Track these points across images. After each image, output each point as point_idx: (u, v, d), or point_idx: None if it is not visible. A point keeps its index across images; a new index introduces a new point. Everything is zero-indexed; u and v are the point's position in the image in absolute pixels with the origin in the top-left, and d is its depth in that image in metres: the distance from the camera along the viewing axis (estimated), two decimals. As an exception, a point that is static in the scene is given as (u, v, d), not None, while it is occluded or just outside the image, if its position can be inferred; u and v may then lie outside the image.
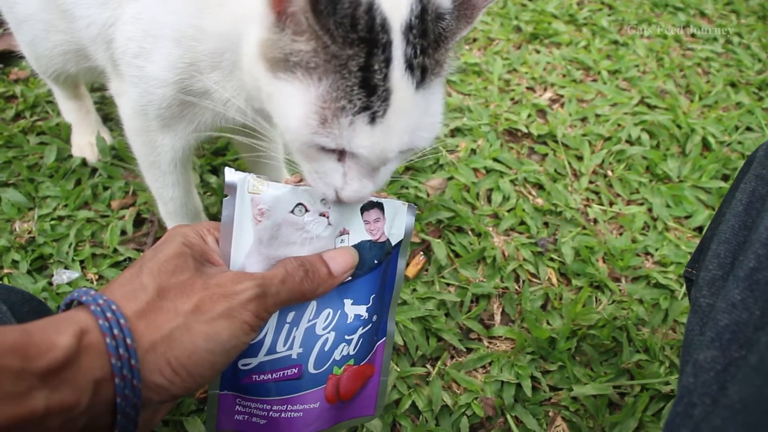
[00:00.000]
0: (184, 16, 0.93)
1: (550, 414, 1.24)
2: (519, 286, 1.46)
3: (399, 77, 0.74)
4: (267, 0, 0.74)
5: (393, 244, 0.86)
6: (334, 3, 0.70)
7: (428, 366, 1.29)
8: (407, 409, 1.20)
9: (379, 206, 0.84)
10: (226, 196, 0.75)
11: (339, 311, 0.82)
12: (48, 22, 1.22)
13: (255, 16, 0.79)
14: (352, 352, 0.84)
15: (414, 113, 0.78)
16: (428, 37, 0.77)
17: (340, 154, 0.78)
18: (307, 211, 0.77)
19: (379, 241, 0.84)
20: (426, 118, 0.80)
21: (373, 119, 0.74)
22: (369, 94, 0.73)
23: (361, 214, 0.83)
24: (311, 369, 0.81)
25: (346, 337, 0.83)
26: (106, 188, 1.57)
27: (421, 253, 1.48)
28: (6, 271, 1.37)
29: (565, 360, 1.29)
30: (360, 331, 0.84)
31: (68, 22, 1.12)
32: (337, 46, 0.72)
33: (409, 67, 0.75)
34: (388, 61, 0.73)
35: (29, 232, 1.45)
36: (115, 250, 1.43)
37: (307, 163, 0.80)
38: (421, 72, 0.76)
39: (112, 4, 1.01)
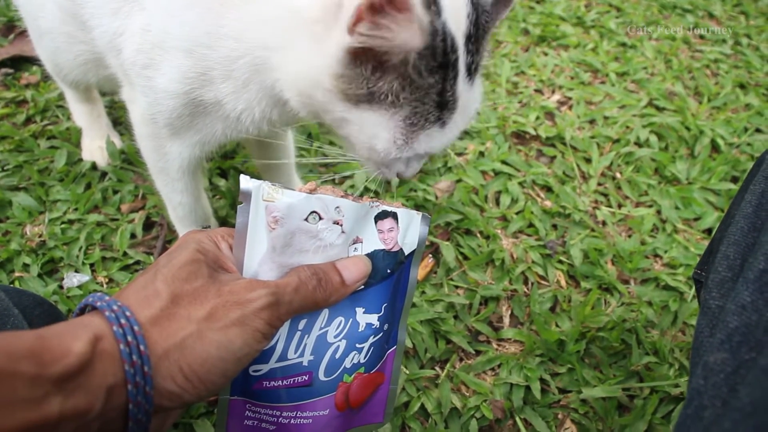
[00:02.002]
0: (198, 25, 0.93)
1: (560, 416, 1.24)
2: (528, 289, 1.46)
3: (462, 84, 0.84)
4: (342, 44, 0.78)
5: (406, 253, 0.86)
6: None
7: (437, 368, 1.29)
8: (416, 411, 1.20)
9: (393, 215, 0.84)
10: (240, 203, 0.76)
11: (351, 319, 0.82)
12: (69, 34, 1.23)
13: (311, 39, 0.82)
14: (362, 360, 0.84)
15: (470, 107, 0.89)
16: (480, 39, 0.85)
17: None
18: (320, 218, 0.77)
19: (393, 250, 0.84)
20: (474, 108, 0.91)
21: (443, 125, 0.84)
22: (442, 108, 0.83)
23: (375, 223, 0.83)
24: (322, 376, 0.81)
25: (357, 345, 0.83)
26: (115, 192, 1.58)
27: (430, 255, 1.48)
28: (17, 274, 1.38)
29: (574, 362, 1.29)
30: (371, 340, 0.84)
31: (87, 32, 1.13)
32: (422, 79, 0.79)
33: (468, 72, 0.84)
34: (456, 76, 0.82)
35: (40, 236, 1.46)
36: (125, 254, 1.44)
37: (373, 164, 0.91)
38: (475, 72, 0.86)
39: (122, 13, 1.01)
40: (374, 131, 0.83)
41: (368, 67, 0.79)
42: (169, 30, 0.96)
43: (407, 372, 1.26)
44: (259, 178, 0.78)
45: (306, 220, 0.77)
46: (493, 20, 0.87)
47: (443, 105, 0.82)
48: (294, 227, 0.76)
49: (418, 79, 0.79)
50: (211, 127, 1.05)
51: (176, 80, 0.97)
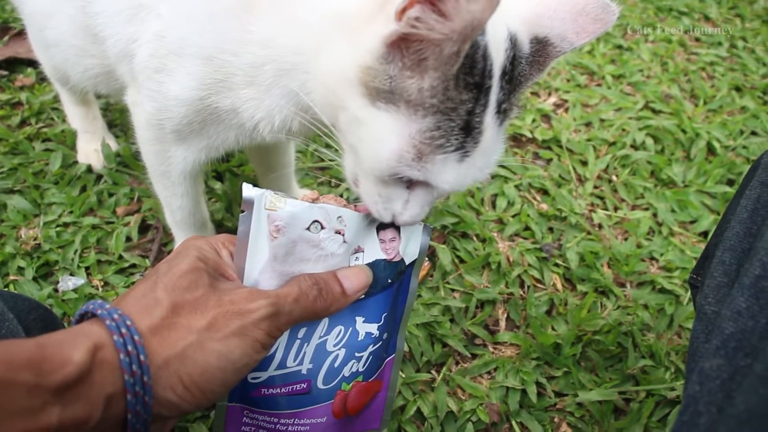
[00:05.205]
0: (222, 32, 0.91)
1: (556, 420, 1.24)
2: (524, 292, 1.46)
3: (490, 120, 0.78)
4: (383, 33, 0.74)
5: (407, 263, 0.86)
6: None
7: (433, 372, 1.29)
8: (412, 415, 1.20)
9: (395, 226, 0.84)
10: (242, 211, 0.75)
11: (350, 329, 0.82)
12: (80, 48, 1.20)
13: (347, 34, 0.79)
14: (361, 369, 0.84)
15: (492, 152, 0.82)
16: (513, 81, 0.80)
17: (411, 183, 0.81)
18: (322, 228, 0.77)
19: (394, 260, 0.84)
20: (494, 156, 0.84)
21: (462, 157, 0.77)
22: (466, 135, 0.76)
23: (377, 232, 0.83)
24: (320, 384, 0.81)
25: (356, 354, 0.83)
26: (111, 195, 1.57)
27: (426, 258, 1.48)
28: (12, 277, 1.37)
29: (570, 366, 1.29)
30: (370, 349, 0.84)
31: (99, 44, 1.10)
32: (457, 90, 0.73)
33: (498, 110, 0.79)
34: (486, 105, 0.76)
35: (35, 239, 1.45)
36: (120, 257, 1.44)
37: (372, 186, 0.82)
38: (504, 115, 0.80)
39: (137, 20, 1.00)
40: (383, 134, 0.76)
41: (401, 63, 0.74)
42: (188, 37, 0.94)
43: (403, 375, 1.25)
44: (256, 181, 0.77)
45: (308, 229, 0.76)
46: (526, 77, 0.83)
47: (469, 130, 0.76)
48: (296, 236, 0.76)
49: (454, 88, 0.73)
50: (223, 134, 1.03)
51: (191, 87, 0.96)
